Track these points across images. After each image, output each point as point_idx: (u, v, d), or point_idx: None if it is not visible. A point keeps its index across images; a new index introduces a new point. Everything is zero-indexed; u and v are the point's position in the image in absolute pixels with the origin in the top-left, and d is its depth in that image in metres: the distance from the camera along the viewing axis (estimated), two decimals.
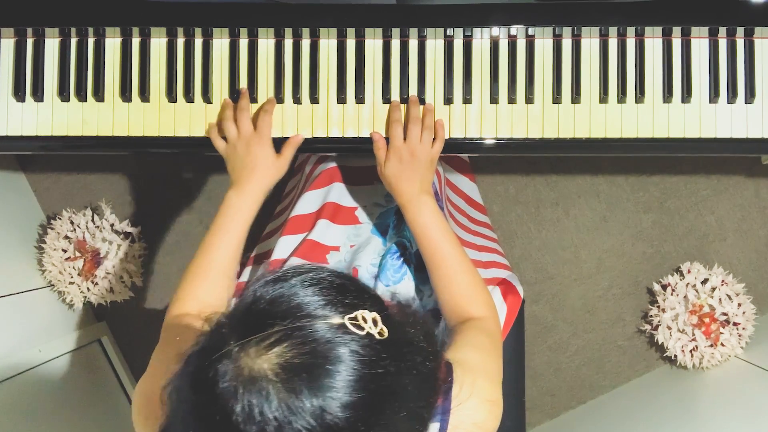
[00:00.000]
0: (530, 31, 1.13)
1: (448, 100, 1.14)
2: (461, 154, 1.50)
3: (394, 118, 1.11)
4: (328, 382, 0.60)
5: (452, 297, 1.03)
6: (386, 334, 0.64)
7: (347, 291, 0.67)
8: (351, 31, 1.13)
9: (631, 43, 1.15)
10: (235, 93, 1.15)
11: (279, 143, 1.13)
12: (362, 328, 0.63)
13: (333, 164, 1.27)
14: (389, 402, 0.63)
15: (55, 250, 1.67)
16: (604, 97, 1.14)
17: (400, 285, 1.16)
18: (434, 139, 1.11)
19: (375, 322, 0.64)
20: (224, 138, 1.11)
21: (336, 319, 0.63)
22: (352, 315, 0.64)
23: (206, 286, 1.02)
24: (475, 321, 1.00)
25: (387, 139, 1.12)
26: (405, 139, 1.09)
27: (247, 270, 1.28)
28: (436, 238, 1.04)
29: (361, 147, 1.15)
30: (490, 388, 0.85)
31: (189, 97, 1.15)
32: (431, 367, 0.70)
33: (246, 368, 0.60)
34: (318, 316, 0.63)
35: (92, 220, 1.71)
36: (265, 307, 0.64)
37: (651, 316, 1.76)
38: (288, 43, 1.15)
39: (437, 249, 1.04)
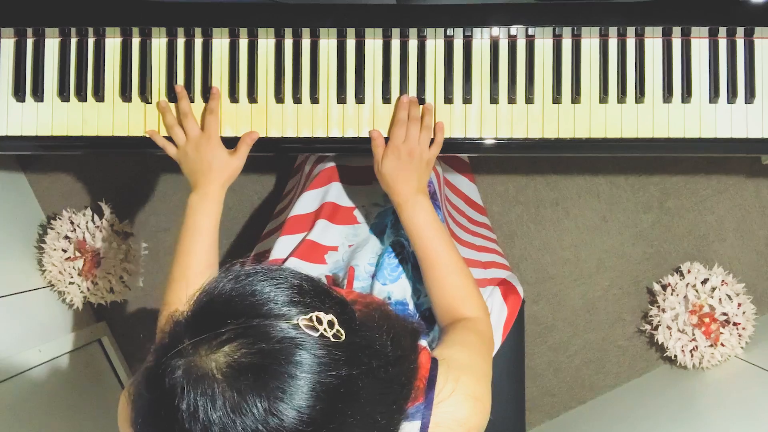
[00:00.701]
0: (530, 31, 1.13)
1: (448, 100, 1.14)
2: (461, 154, 1.50)
3: (399, 118, 1.11)
4: (274, 384, 0.59)
5: (444, 297, 1.04)
6: (343, 336, 0.63)
7: (305, 292, 0.66)
8: (351, 31, 1.13)
9: (631, 43, 1.15)
10: (235, 94, 1.15)
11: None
12: (317, 330, 0.62)
13: (332, 164, 1.27)
14: (340, 407, 0.61)
15: (55, 250, 1.67)
16: (604, 97, 1.14)
17: (396, 284, 1.16)
18: (433, 141, 1.11)
19: (331, 324, 0.63)
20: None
21: (291, 320, 0.62)
22: (307, 316, 0.63)
23: (188, 292, 1.02)
24: (466, 321, 1.00)
25: (386, 139, 1.12)
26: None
27: None
28: (430, 239, 1.04)
29: (361, 147, 1.15)
30: (474, 385, 0.84)
31: (189, 98, 1.15)
32: (393, 373, 0.68)
33: (195, 366, 0.60)
34: (273, 315, 0.62)
35: (92, 220, 1.71)
36: (221, 306, 0.64)
37: (651, 316, 1.76)
38: (288, 43, 1.15)
39: (431, 249, 1.04)
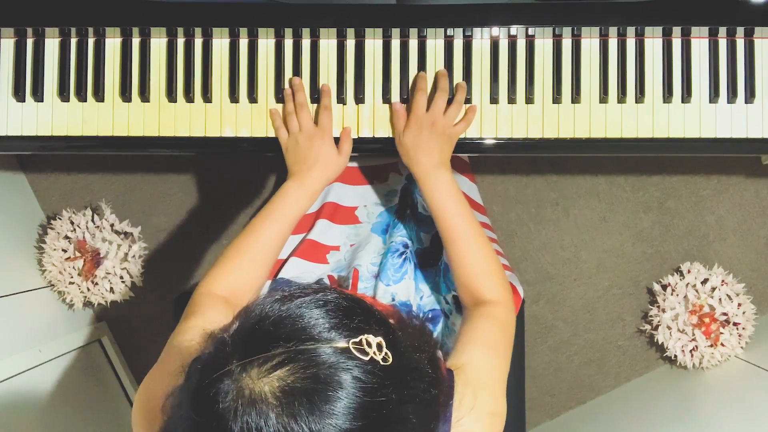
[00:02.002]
0: (530, 31, 1.13)
1: (448, 100, 1.14)
2: (461, 154, 1.50)
3: (420, 87, 1.09)
4: (328, 409, 0.59)
5: (466, 274, 1.01)
6: (390, 359, 0.63)
7: (353, 314, 0.65)
8: (351, 31, 1.13)
9: (631, 43, 1.15)
10: (235, 94, 1.15)
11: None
12: (366, 353, 0.62)
13: None
14: (390, 429, 0.62)
15: (55, 250, 1.67)
16: (604, 97, 1.14)
17: (400, 284, 1.16)
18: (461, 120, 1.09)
19: (380, 347, 0.63)
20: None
21: (341, 343, 0.62)
22: (357, 339, 0.62)
23: (243, 270, 1.00)
24: (487, 308, 0.98)
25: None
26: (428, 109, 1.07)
27: None
28: (453, 213, 1.02)
29: (361, 147, 1.15)
30: (491, 402, 0.84)
31: (189, 97, 1.15)
32: (435, 394, 0.69)
33: (247, 389, 0.60)
34: (322, 339, 0.62)
35: (92, 220, 1.71)
36: (270, 328, 0.63)
37: (651, 316, 1.76)
38: (288, 43, 1.15)
39: (453, 224, 1.02)
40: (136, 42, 1.15)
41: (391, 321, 0.71)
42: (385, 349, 0.63)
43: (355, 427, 0.59)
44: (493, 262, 1.02)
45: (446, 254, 1.05)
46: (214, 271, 1.00)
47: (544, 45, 1.15)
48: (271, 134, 1.15)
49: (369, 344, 0.62)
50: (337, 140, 1.11)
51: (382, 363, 0.62)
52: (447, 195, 1.02)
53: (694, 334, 1.67)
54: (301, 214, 1.06)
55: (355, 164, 1.29)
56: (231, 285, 0.98)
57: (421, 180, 1.04)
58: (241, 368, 0.61)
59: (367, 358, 0.62)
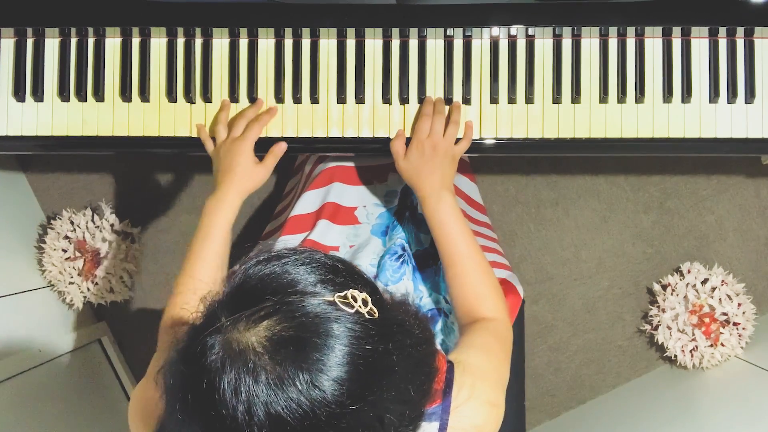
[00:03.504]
0: (530, 31, 1.13)
1: (448, 101, 1.14)
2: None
3: (424, 112, 1.10)
4: (315, 356, 0.60)
5: (465, 295, 1.03)
6: (376, 315, 0.65)
7: (338, 271, 0.67)
8: (351, 31, 1.13)
9: (631, 43, 1.15)
10: (235, 94, 1.15)
11: (268, 143, 1.14)
12: (352, 306, 0.64)
13: (332, 164, 1.27)
14: (377, 379, 0.63)
15: (55, 250, 1.67)
16: (604, 97, 1.14)
17: (398, 285, 1.16)
18: (460, 139, 1.10)
19: (365, 302, 0.65)
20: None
21: (326, 297, 0.64)
22: (342, 293, 0.64)
23: (199, 290, 1.02)
24: (485, 322, 0.99)
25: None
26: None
27: None
28: (453, 235, 1.03)
29: (361, 147, 1.15)
30: (490, 391, 0.85)
31: (189, 97, 1.15)
32: (423, 351, 0.70)
33: (234, 341, 0.60)
34: (308, 292, 0.64)
35: (92, 220, 1.71)
36: (257, 285, 0.65)
37: (651, 316, 1.76)
38: (288, 43, 1.15)
39: (453, 246, 1.03)
40: (136, 42, 1.15)
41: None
42: (370, 305, 0.65)
43: (342, 373, 0.60)
44: (492, 283, 1.04)
45: (445, 275, 1.06)
46: (173, 299, 1.01)
47: (544, 45, 1.15)
48: (271, 134, 1.15)
49: (354, 298, 0.64)
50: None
51: (367, 316, 0.64)
52: (449, 217, 1.04)
53: (694, 334, 1.67)
54: (227, 225, 1.06)
55: (350, 164, 1.29)
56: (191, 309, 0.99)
57: (424, 202, 1.06)
58: (230, 323, 0.61)
59: (352, 311, 0.63)
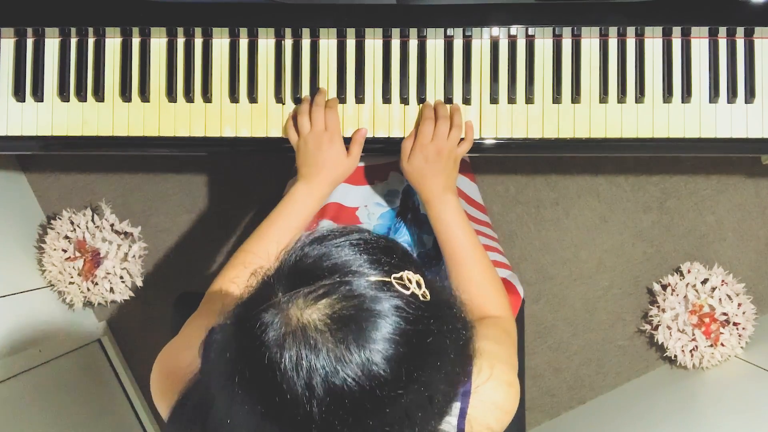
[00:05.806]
0: (530, 31, 1.13)
1: (448, 100, 1.14)
2: None
3: (427, 116, 1.10)
4: (375, 335, 0.60)
5: (470, 296, 1.03)
6: (429, 297, 0.66)
7: (393, 252, 0.68)
8: (351, 31, 1.13)
9: (631, 43, 1.15)
10: (235, 94, 1.15)
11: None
12: (407, 288, 0.64)
13: None
14: (430, 360, 0.64)
15: (55, 250, 1.67)
16: (604, 97, 1.14)
17: None
18: (462, 139, 1.11)
19: (419, 284, 0.65)
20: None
21: (383, 277, 0.64)
22: (398, 275, 0.65)
23: (250, 267, 1.02)
24: (492, 319, 1.01)
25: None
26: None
27: None
28: (458, 237, 1.05)
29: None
30: (507, 372, 0.87)
31: (189, 97, 1.15)
32: (468, 336, 0.71)
33: (294, 318, 0.60)
34: (364, 273, 0.64)
35: (92, 220, 1.71)
36: (312, 263, 0.65)
37: (651, 316, 1.76)
38: (288, 43, 1.15)
39: (458, 247, 1.04)
40: (136, 42, 1.15)
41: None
42: (423, 287, 0.66)
43: (399, 352, 0.61)
44: (496, 283, 1.05)
45: (450, 275, 1.07)
46: (226, 271, 1.02)
47: (544, 45, 1.15)
48: (271, 134, 1.15)
49: (409, 280, 0.65)
50: (349, 140, 1.11)
51: (421, 298, 0.65)
52: (453, 219, 1.05)
53: (694, 334, 1.67)
54: (310, 217, 1.07)
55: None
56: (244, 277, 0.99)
57: (428, 204, 1.07)
58: (288, 299, 0.62)
59: (408, 292, 0.64)
